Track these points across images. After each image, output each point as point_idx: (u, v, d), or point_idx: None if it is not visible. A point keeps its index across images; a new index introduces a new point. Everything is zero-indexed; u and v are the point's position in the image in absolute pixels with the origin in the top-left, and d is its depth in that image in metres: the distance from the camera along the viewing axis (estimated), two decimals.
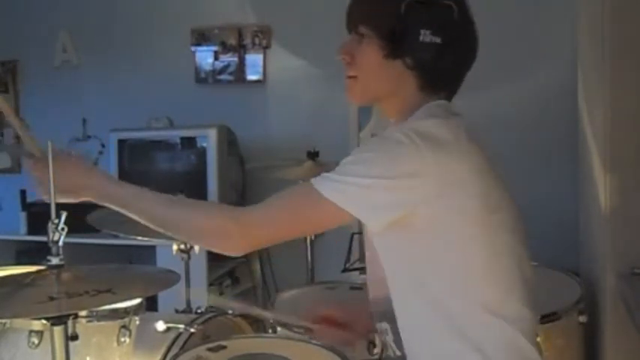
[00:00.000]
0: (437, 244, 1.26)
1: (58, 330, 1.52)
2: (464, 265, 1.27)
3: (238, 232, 1.33)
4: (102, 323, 1.96)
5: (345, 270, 2.86)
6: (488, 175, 1.29)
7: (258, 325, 3.02)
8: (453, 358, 1.30)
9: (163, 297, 2.93)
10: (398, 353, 1.41)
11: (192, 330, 2.20)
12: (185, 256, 2.55)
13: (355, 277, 3.24)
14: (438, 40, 1.30)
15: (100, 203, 1.46)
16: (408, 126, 1.27)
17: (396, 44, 1.32)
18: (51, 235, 1.53)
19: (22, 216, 3.96)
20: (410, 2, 1.30)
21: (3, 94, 4.55)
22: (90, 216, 2.39)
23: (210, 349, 1.89)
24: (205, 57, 4.19)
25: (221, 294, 3.77)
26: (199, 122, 3.86)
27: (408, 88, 1.36)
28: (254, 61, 4.12)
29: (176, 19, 4.22)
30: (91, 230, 2.37)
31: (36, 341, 1.85)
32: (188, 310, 2.56)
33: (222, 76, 4.17)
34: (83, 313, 1.86)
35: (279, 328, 2.18)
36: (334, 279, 2.79)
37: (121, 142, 3.85)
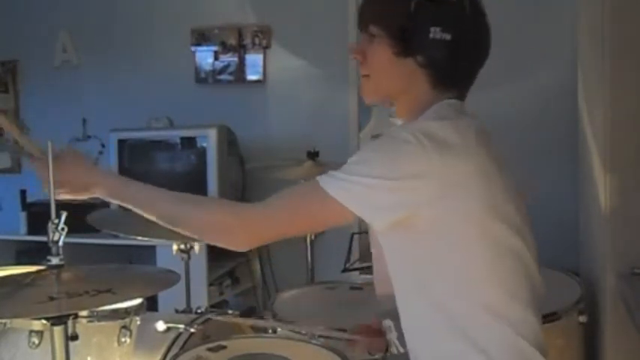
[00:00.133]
0: (440, 245, 1.26)
1: (58, 330, 1.52)
2: (467, 267, 1.27)
3: (241, 228, 1.33)
4: (102, 323, 1.95)
5: (345, 270, 2.86)
6: (495, 178, 1.28)
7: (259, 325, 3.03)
8: (455, 359, 1.30)
9: (163, 297, 2.93)
10: (401, 350, 1.42)
11: (192, 330, 2.20)
12: (185, 256, 2.55)
13: (355, 277, 3.25)
14: (448, 37, 1.30)
15: (108, 200, 1.47)
16: (416, 126, 1.27)
17: (406, 42, 1.32)
18: (51, 235, 1.53)
19: (22, 216, 3.96)
20: (419, 0, 1.31)
21: (3, 94, 4.55)
22: (90, 216, 2.39)
23: (210, 349, 1.89)
24: (205, 57, 4.19)
25: (221, 294, 3.78)
26: (199, 122, 3.86)
27: (420, 86, 1.36)
28: (254, 61, 4.12)
29: (176, 19, 4.22)
30: (91, 230, 2.37)
31: (36, 341, 1.85)
32: (188, 310, 2.56)
33: (222, 76, 4.17)
34: (83, 313, 1.85)
35: (279, 329, 2.18)
36: (334, 279, 2.79)
37: (121, 142, 3.85)
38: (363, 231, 3.85)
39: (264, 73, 4.11)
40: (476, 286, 1.28)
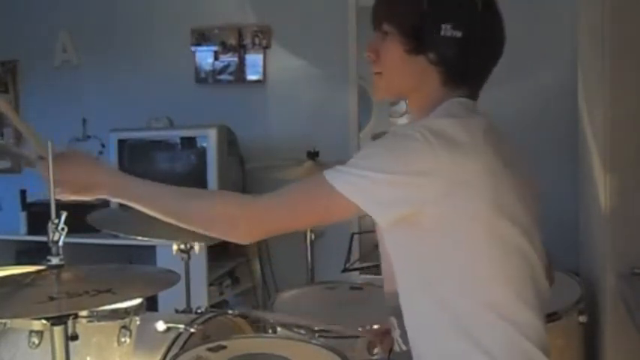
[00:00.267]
0: (445, 243, 1.26)
1: (58, 330, 1.52)
2: (472, 266, 1.27)
3: (245, 219, 1.33)
4: (102, 323, 1.95)
5: (345, 270, 2.86)
6: (504, 177, 1.28)
7: (258, 325, 3.03)
8: (458, 358, 1.30)
9: (163, 297, 2.93)
10: (404, 348, 1.42)
11: (192, 330, 2.20)
12: (185, 256, 2.55)
13: (355, 277, 3.25)
14: (459, 34, 1.30)
15: (113, 199, 1.46)
16: (424, 123, 1.27)
17: (417, 40, 1.33)
18: (51, 235, 1.53)
19: (22, 216, 3.96)
20: None
21: (3, 94, 4.55)
22: (90, 216, 2.39)
23: (210, 349, 1.89)
24: (205, 57, 4.19)
25: (221, 294, 3.78)
26: (199, 122, 3.86)
27: (431, 83, 1.36)
28: (254, 61, 4.12)
29: (176, 19, 4.22)
30: (91, 230, 2.37)
31: (36, 341, 1.85)
32: (188, 310, 2.56)
33: (222, 76, 4.17)
34: (83, 313, 1.85)
35: (279, 328, 2.18)
36: (334, 279, 2.80)
37: (121, 142, 3.85)
38: (363, 231, 3.85)
39: (264, 73, 4.11)
40: (481, 285, 1.27)
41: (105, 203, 3.98)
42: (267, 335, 2.22)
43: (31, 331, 1.85)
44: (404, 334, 1.40)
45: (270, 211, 1.33)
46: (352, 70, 3.93)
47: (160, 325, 2.21)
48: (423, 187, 1.22)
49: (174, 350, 2.13)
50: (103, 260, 3.63)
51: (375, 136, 4.95)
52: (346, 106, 3.98)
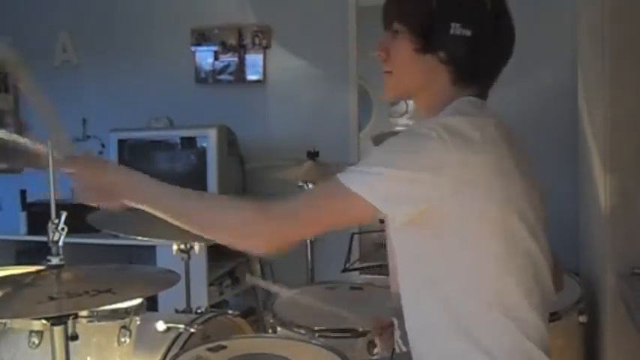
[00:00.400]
0: (452, 242, 1.26)
1: (58, 330, 1.53)
2: (478, 265, 1.26)
3: (265, 228, 1.29)
4: (102, 323, 1.95)
5: (345, 270, 2.86)
6: (513, 177, 1.28)
7: (258, 325, 3.03)
8: (458, 358, 1.29)
9: (163, 297, 2.93)
10: (404, 349, 1.41)
11: (192, 330, 2.20)
12: (185, 256, 2.55)
13: (355, 277, 3.25)
14: (468, 33, 1.31)
15: (132, 203, 1.41)
16: (437, 121, 1.27)
17: (427, 39, 1.33)
18: (51, 235, 1.53)
19: (22, 216, 3.96)
20: None
21: (3, 94, 4.55)
22: (90, 216, 2.39)
23: (210, 349, 1.89)
24: (205, 57, 4.19)
25: (221, 294, 3.78)
26: (199, 122, 3.86)
27: (441, 82, 1.36)
28: (254, 61, 4.12)
29: (176, 19, 4.22)
30: (91, 230, 2.36)
31: (36, 341, 1.85)
32: (188, 310, 2.56)
33: (222, 76, 4.17)
34: (83, 313, 1.85)
35: (279, 328, 2.18)
36: (334, 279, 2.79)
37: (121, 142, 3.85)
38: (363, 231, 3.85)
39: (264, 73, 4.11)
40: (486, 284, 1.27)
41: None
42: (267, 335, 2.22)
43: (31, 331, 1.85)
44: (404, 336, 1.40)
45: (287, 219, 1.30)
46: (352, 70, 3.93)
47: (160, 325, 2.21)
48: (436, 184, 1.22)
49: (174, 350, 2.13)
50: (103, 260, 3.63)
51: (376, 138, 4.94)
52: (346, 106, 3.98)
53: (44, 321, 1.61)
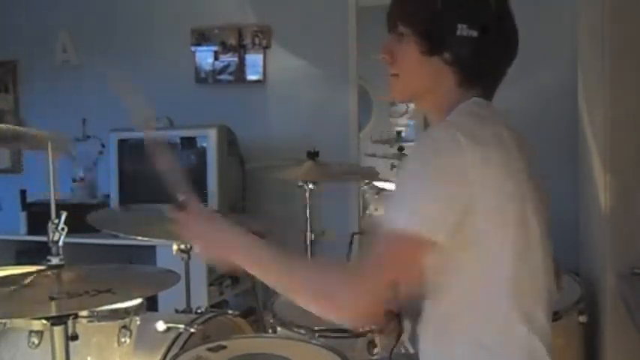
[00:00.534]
0: (488, 245, 1.26)
1: (58, 330, 1.53)
2: (494, 274, 1.27)
3: (347, 294, 1.22)
4: (102, 323, 1.95)
5: None
6: (523, 178, 1.29)
7: (258, 325, 3.02)
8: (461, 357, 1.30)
9: (163, 297, 2.93)
10: (411, 351, 1.41)
11: (192, 330, 2.20)
12: (185, 256, 2.54)
13: None
14: (474, 34, 1.31)
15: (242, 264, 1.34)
16: (449, 125, 1.27)
17: (433, 40, 1.33)
18: (51, 235, 1.53)
19: (22, 216, 3.96)
20: None
21: (3, 94, 4.56)
22: (90, 216, 2.39)
23: (210, 349, 1.89)
24: (205, 57, 4.19)
25: (221, 294, 3.77)
26: (199, 122, 3.86)
27: (447, 84, 1.36)
28: (254, 61, 4.12)
29: (176, 19, 4.22)
30: (91, 230, 2.36)
31: (36, 341, 1.85)
32: (188, 310, 2.55)
33: (222, 76, 4.17)
34: (83, 313, 1.85)
35: (279, 328, 2.18)
36: None
37: (121, 142, 3.85)
38: (363, 231, 3.85)
39: (264, 73, 4.11)
40: (505, 288, 1.27)
41: (105, 203, 4.01)
42: (267, 335, 2.22)
43: (31, 331, 1.85)
44: (413, 338, 1.40)
45: (366, 291, 1.21)
46: (352, 70, 3.93)
47: (160, 325, 2.21)
48: (468, 195, 1.22)
49: (174, 350, 2.12)
50: (103, 260, 3.63)
51: (377, 142, 4.94)
52: (346, 106, 3.98)
53: (44, 321, 1.61)
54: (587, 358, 2.47)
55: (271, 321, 2.22)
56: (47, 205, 1.52)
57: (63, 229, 1.53)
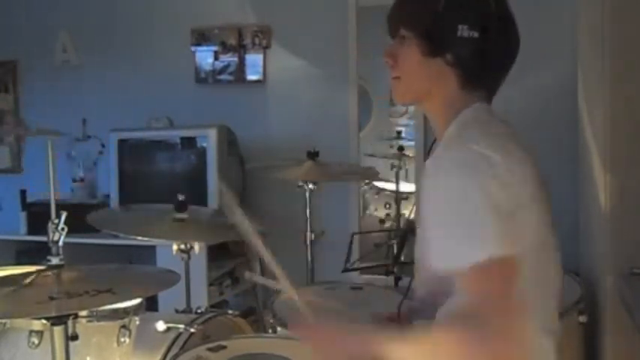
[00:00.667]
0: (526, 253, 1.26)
1: (58, 330, 1.53)
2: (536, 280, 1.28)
3: (499, 346, 1.16)
4: (102, 323, 1.95)
5: (345, 270, 2.86)
6: (537, 184, 1.30)
7: (258, 325, 3.03)
8: None
9: (163, 297, 2.93)
10: None
11: (192, 330, 2.20)
12: (185, 256, 2.55)
13: (355, 277, 3.25)
14: (475, 34, 1.31)
15: None
16: (471, 142, 1.26)
17: (434, 42, 1.34)
18: (51, 235, 1.53)
19: (22, 216, 3.96)
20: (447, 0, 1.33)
21: (3, 94, 4.56)
22: (90, 216, 2.39)
23: (210, 349, 1.89)
24: (205, 57, 4.19)
25: (221, 294, 3.77)
26: (199, 122, 3.86)
27: (449, 85, 1.37)
28: (254, 61, 4.12)
29: (176, 19, 4.22)
30: (91, 230, 2.37)
31: (36, 341, 1.85)
32: (188, 310, 2.56)
33: (222, 76, 4.17)
34: (83, 313, 1.85)
35: (279, 328, 2.18)
36: (334, 279, 2.79)
37: (121, 142, 3.85)
38: (363, 231, 3.85)
39: (264, 73, 4.11)
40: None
41: (105, 203, 4.00)
42: (267, 335, 2.22)
43: (31, 331, 1.85)
44: None
45: (499, 327, 1.15)
46: (352, 70, 3.93)
47: (160, 325, 2.21)
48: (510, 200, 1.22)
49: (174, 350, 2.13)
50: (103, 260, 3.62)
51: (377, 141, 4.93)
52: (346, 106, 3.98)
53: (44, 321, 1.61)
54: (587, 358, 2.47)
55: (271, 321, 2.22)
56: (47, 205, 1.52)
57: (63, 229, 1.53)
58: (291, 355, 1.84)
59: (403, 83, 1.40)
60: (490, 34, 1.33)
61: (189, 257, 2.56)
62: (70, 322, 1.55)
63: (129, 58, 4.29)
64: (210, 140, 3.69)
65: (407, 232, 2.30)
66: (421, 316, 1.45)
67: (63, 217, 1.52)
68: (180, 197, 2.46)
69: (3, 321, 1.86)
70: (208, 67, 4.19)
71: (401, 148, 4.61)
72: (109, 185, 3.92)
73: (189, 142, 3.86)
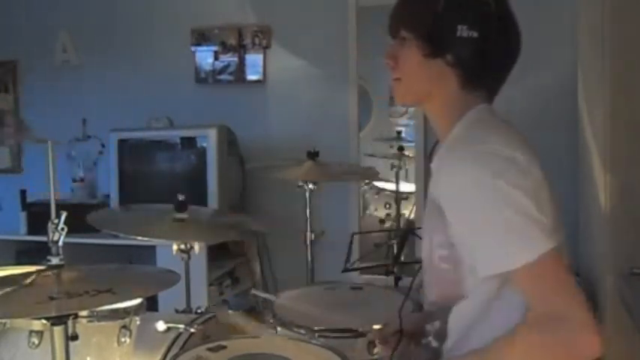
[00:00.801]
0: None
1: (58, 330, 1.52)
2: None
3: (581, 342, 1.30)
4: (102, 323, 1.95)
5: (345, 270, 2.86)
6: (545, 184, 1.34)
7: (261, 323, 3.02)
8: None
9: (163, 297, 2.93)
10: (434, 345, 1.43)
11: (192, 330, 2.20)
12: (185, 256, 2.55)
13: (355, 277, 3.25)
14: (475, 34, 1.32)
15: None
16: (491, 141, 1.29)
17: (434, 43, 1.34)
18: (51, 235, 1.53)
19: (22, 216, 3.96)
20: (445, 0, 1.33)
21: (3, 94, 4.56)
22: (90, 216, 2.39)
23: (210, 349, 1.89)
24: (205, 57, 4.19)
25: (221, 294, 3.77)
26: (199, 122, 3.86)
27: (450, 86, 1.37)
28: (254, 61, 4.12)
29: (176, 19, 4.22)
30: (91, 230, 2.37)
31: (36, 341, 1.85)
32: (188, 310, 2.56)
33: (222, 76, 4.17)
34: (83, 313, 1.85)
35: (279, 328, 2.18)
36: (334, 279, 2.79)
37: (121, 142, 3.85)
38: (363, 231, 3.85)
39: (264, 73, 4.11)
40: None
41: (105, 203, 4.00)
42: (267, 335, 2.21)
43: (31, 331, 1.85)
44: (439, 334, 1.41)
45: (578, 320, 1.31)
46: (352, 70, 3.93)
47: (160, 325, 2.21)
48: (535, 191, 1.29)
49: (174, 350, 2.12)
50: (103, 260, 3.62)
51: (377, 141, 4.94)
52: (346, 106, 3.98)
53: (44, 321, 1.61)
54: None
55: (271, 321, 2.22)
56: (47, 205, 1.52)
57: (63, 229, 1.53)
58: (291, 355, 1.83)
59: (404, 85, 1.41)
60: (490, 34, 1.33)
61: (189, 257, 2.56)
62: (70, 322, 1.54)
63: (129, 58, 4.29)
64: (210, 140, 3.69)
65: (407, 232, 2.30)
66: (435, 318, 1.46)
67: (63, 217, 1.52)
68: (180, 197, 2.46)
69: (3, 321, 1.86)
70: (208, 67, 4.19)
71: (401, 149, 4.61)
72: (109, 185, 3.92)
73: (189, 142, 3.86)
